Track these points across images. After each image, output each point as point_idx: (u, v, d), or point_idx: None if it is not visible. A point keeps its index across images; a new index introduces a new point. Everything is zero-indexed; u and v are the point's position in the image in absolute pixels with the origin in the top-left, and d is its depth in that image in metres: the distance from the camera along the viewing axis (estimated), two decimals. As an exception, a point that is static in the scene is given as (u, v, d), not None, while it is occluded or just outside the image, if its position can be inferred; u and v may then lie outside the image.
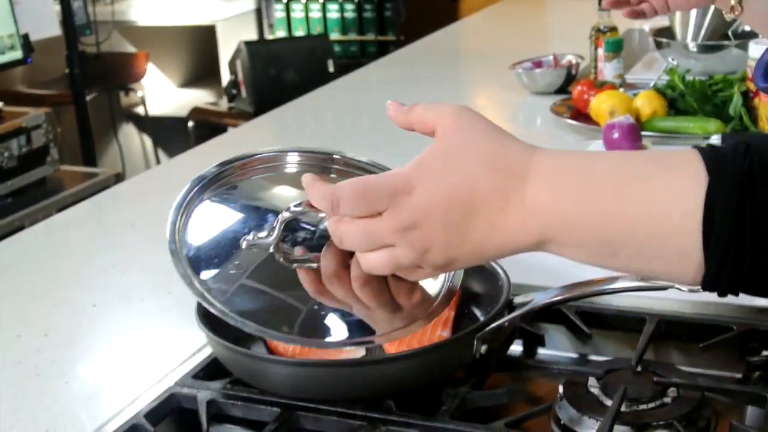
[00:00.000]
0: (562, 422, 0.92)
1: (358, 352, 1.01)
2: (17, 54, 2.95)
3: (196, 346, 1.11)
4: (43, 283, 1.37)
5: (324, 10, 4.69)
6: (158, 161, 4.95)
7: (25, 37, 2.98)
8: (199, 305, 1.02)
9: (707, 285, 0.60)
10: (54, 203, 2.78)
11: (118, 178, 3.03)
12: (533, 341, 1.08)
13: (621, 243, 0.63)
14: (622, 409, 0.90)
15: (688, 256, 0.60)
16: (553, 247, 0.66)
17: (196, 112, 4.11)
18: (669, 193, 0.60)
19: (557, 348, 1.08)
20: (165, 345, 1.15)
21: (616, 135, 1.60)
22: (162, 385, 1.02)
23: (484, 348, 0.95)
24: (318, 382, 0.93)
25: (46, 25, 3.22)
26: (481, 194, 0.66)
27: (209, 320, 1.00)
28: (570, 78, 2.15)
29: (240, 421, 0.97)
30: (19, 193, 2.81)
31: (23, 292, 1.35)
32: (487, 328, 0.95)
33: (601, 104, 1.79)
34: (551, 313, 1.08)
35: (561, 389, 0.94)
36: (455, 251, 0.67)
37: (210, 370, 1.02)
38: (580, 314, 1.07)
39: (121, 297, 1.29)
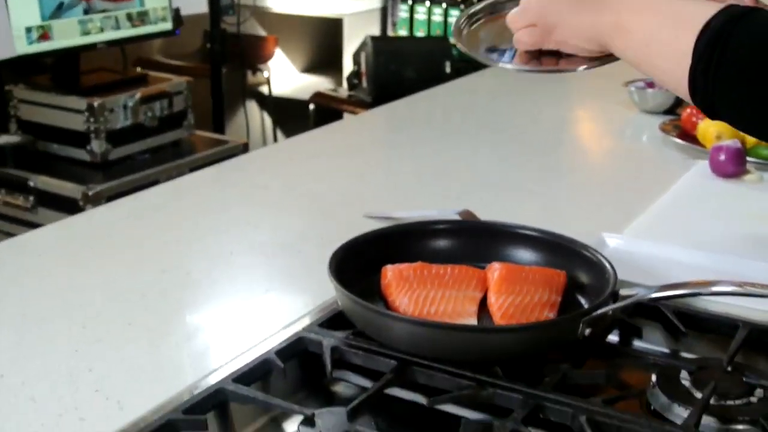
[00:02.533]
0: (652, 407, 0.95)
1: (472, 320, 1.05)
2: (167, 25, 3.05)
3: (321, 299, 1.16)
4: (184, 230, 1.44)
5: (445, 14, 4.73)
6: (276, 139, 5.05)
7: (176, 11, 3.08)
8: (331, 260, 1.08)
9: (691, 88, 0.83)
10: (186, 163, 2.89)
11: (245, 147, 3.12)
12: (630, 333, 1.10)
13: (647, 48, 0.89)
14: (711, 402, 0.92)
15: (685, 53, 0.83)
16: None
17: (317, 96, 4.18)
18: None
19: (651, 342, 1.10)
20: (293, 295, 1.20)
21: (722, 157, 1.60)
22: (290, 330, 1.07)
23: (587, 331, 0.98)
24: (433, 342, 0.97)
25: (195, 2, 3.33)
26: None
27: (340, 275, 1.05)
28: (679, 100, 2.14)
29: (360, 369, 1.01)
30: (156, 151, 2.92)
31: (167, 236, 1.42)
32: (594, 314, 0.98)
33: (708, 128, 1.79)
34: (648, 310, 1.10)
35: (654, 378, 0.97)
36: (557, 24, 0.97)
37: (334, 321, 1.07)
38: (676, 314, 1.09)
39: (255, 250, 1.35)
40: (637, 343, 1.10)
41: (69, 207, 2.59)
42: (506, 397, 0.92)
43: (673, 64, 0.84)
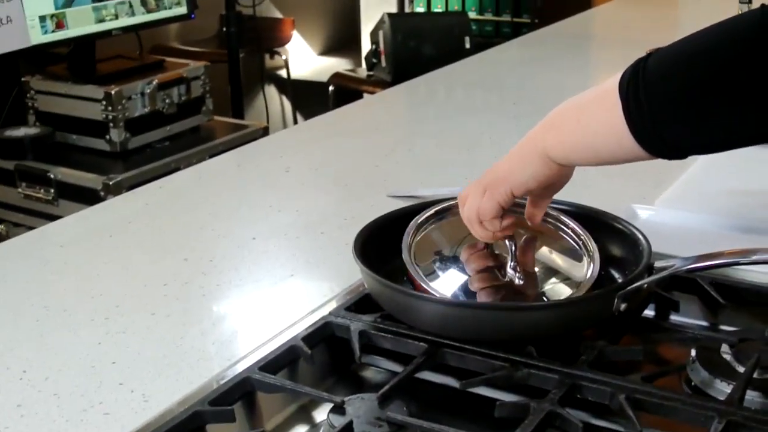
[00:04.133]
0: (693, 383, 0.92)
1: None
2: (182, 9, 3.03)
3: (347, 282, 1.13)
4: (206, 216, 1.42)
5: (463, -11, 4.68)
6: (296, 122, 5.03)
7: (191, -6, 3.07)
8: (356, 242, 1.05)
9: (630, 122, 0.83)
10: (206, 149, 2.86)
11: (265, 131, 3.10)
12: (667, 306, 1.07)
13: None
14: (755, 375, 0.89)
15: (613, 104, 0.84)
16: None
17: (336, 77, 4.15)
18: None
19: (689, 316, 1.07)
20: (318, 279, 1.18)
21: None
22: (316, 315, 1.05)
23: (623, 306, 0.95)
24: (464, 322, 0.94)
25: (210, -15, 3.30)
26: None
27: (365, 257, 1.03)
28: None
29: (389, 353, 0.99)
30: (175, 138, 2.90)
31: (188, 223, 1.40)
32: (629, 288, 0.95)
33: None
34: (685, 282, 1.07)
35: (694, 352, 0.94)
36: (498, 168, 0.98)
37: (361, 305, 1.05)
38: (714, 285, 1.06)
39: (279, 233, 1.33)
40: (675, 317, 1.07)
41: (90, 198, 2.57)
42: (541, 377, 0.89)
43: (609, 120, 0.85)
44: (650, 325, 1.05)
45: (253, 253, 1.27)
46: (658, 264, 0.99)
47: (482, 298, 1.01)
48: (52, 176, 2.72)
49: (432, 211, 1.12)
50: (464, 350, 0.94)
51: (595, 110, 0.88)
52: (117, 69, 2.90)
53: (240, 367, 0.94)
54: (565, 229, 1.09)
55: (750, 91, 0.78)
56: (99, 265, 1.26)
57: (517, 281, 1.00)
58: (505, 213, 0.99)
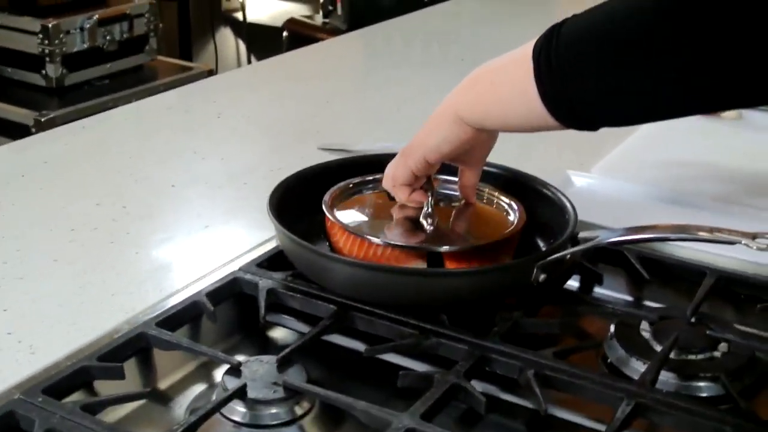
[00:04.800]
0: (609, 360, 0.89)
1: (422, 263, 0.98)
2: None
3: (264, 237, 1.09)
4: (126, 159, 1.37)
5: (427, -62, 4.60)
6: (249, 63, 4.94)
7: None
8: (272, 195, 1.01)
9: (540, 87, 0.79)
10: (147, 90, 2.79)
11: (210, 74, 3.03)
12: (591, 279, 1.05)
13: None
14: (671, 356, 0.87)
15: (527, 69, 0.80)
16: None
17: (291, 23, 4.06)
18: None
19: (613, 289, 1.05)
20: (235, 232, 1.14)
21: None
22: (226, 269, 1.01)
23: (542, 277, 0.92)
24: (376, 286, 0.91)
25: None
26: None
27: (280, 213, 0.99)
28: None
29: (296, 313, 0.96)
30: (115, 77, 2.83)
31: (106, 166, 1.35)
32: (549, 258, 0.92)
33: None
34: (611, 254, 1.04)
35: (612, 329, 0.92)
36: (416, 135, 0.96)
37: (274, 262, 1.01)
38: (640, 259, 1.04)
39: (200, 181, 1.29)
40: (598, 290, 1.05)
41: (21, 134, 2.50)
42: (450, 347, 0.86)
43: (521, 85, 0.82)
44: (572, 297, 1.03)
45: (169, 201, 1.22)
46: (583, 234, 0.96)
47: (400, 240, 0.97)
48: (-18, 109, 2.65)
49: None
50: (374, 314, 0.90)
51: (509, 73, 0.85)
52: (57, 2, 2.81)
53: (137, 322, 0.90)
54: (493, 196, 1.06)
55: (659, 61, 0.74)
56: (5, 205, 1.20)
57: (428, 228, 0.97)
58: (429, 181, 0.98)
